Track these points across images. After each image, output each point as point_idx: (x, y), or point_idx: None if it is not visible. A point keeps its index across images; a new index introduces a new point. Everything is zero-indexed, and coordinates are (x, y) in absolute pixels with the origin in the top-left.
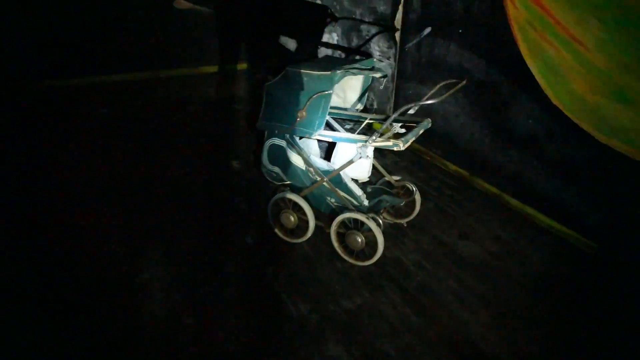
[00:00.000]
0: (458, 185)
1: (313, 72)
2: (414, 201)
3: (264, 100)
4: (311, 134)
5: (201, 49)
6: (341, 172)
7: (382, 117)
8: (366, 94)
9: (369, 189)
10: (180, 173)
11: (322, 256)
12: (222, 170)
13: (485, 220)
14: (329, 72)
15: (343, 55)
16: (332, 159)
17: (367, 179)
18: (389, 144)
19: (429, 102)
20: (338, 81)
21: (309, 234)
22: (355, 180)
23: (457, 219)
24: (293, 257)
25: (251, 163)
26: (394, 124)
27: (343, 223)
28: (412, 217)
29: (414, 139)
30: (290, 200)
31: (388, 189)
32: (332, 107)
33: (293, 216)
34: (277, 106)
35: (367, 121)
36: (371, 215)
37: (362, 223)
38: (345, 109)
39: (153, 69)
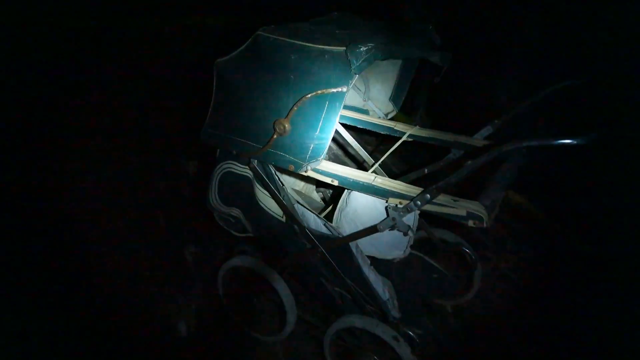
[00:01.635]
0: (528, 230)
1: (312, 46)
2: (470, 274)
3: (215, 91)
4: (299, 167)
5: None
6: (356, 243)
7: (436, 134)
8: (405, 89)
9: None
10: (109, 185)
11: None
12: (170, 177)
13: None
14: (342, 49)
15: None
16: (337, 212)
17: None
18: (460, 213)
19: None
20: (362, 69)
21: (287, 331)
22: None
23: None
24: None
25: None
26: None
27: (349, 331)
28: (465, 298)
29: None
30: (255, 272)
31: (430, 262)
32: (344, 107)
33: (258, 299)
34: (237, 105)
35: (404, 138)
36: (403, 329)
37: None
38: (365, 113)
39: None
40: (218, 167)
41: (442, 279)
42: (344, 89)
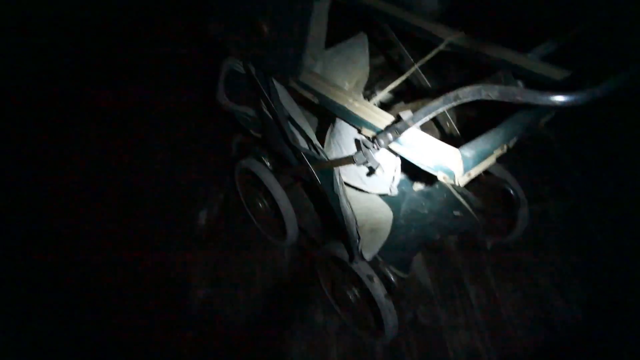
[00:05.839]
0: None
1: None
2: (513, 215)
3: None
4: (281, 75)
5: None
6: (339, 170)
7: (482, 46)
8: None
9: (404, 193)
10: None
11: (303, 289)
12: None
13: None
14: None
15: None
16: (328, 131)
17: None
18: (427, 162)
19: None
20: None
21: (289, 241)
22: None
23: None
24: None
25: (234, 211)
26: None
27: (334, 257)
28: (509, 237)
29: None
30: (259, 178)
31: (457, 196)
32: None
33: (262, 203)
34: None
35: (441, 47)
36: (384, 269)
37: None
38: (409, 8)
39: None
40: (224, 62)
41: (464, 219)
42: None
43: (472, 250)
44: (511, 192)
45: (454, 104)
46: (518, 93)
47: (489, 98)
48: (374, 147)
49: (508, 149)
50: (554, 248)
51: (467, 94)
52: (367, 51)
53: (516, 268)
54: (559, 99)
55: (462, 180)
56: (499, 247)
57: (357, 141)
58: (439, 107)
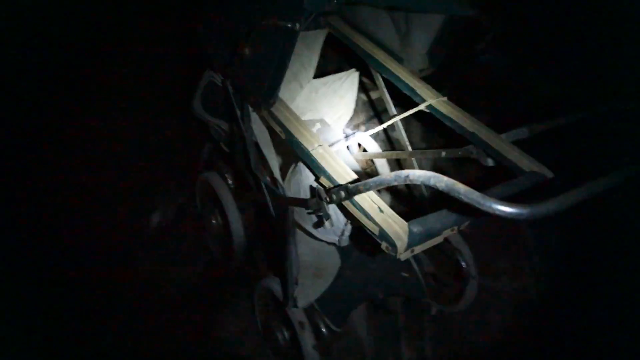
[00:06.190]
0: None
1: None
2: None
3: None
4: (254, 102)
5: None
6: (293, 210)
7: (459, 115)
8: (446, 46)
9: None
10: None
11: (237, 318)
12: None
13: None
14: None
15: None
16: (291, 168)
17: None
18: (374, 229)
19: None
20: (320, 7)
21: (234, 264)
22: None
23: None
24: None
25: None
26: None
27: (271, 294)
28: (455, 307)
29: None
30: (215, 193)
31: (411, 260)
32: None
33: (216, 219)
34: (223, 7)
35: (420, 107)
36: (318, 318)
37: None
38: (400, 61)
39: None
40: (206, 72)
41: (411, 282)
42: (296, 27)
43: (416, 312)
44: (462, 264)
45: (405, 182)
46: (463, 192)
47: (436, 188)
48: (326, 199)
49: (459, 231)
50: (496, 327)
51: (417, 177)
52: (355, 88)
53: (455, 340)
54: (502, 209)
55: (403, 255)
56: (443, 314)
57: (312, 188)
58: (390, 181)
